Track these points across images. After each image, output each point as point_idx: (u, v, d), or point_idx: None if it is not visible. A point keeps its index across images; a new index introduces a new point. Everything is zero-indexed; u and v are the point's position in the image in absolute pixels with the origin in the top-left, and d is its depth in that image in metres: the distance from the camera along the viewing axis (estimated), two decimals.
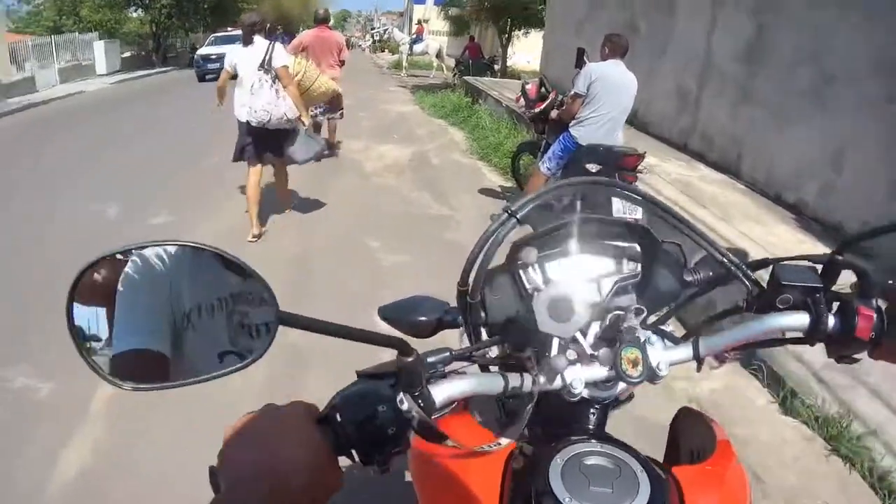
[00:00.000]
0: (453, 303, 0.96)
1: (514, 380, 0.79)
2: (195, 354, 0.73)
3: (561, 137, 4.97)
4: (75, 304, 0.67)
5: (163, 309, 0.71)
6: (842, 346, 0.84)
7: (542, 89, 5.46)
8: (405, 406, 0.69)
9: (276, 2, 34.48)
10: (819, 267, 0.87)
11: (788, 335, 0.86)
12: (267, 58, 4.76)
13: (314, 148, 5.25)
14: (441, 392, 0.74)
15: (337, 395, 0.70)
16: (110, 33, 24.32)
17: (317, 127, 7.92)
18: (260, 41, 4.85)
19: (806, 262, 0.88)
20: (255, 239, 5.04)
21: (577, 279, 0.88)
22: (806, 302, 0.84)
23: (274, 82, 4.76)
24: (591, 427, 0.88)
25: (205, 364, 0.72)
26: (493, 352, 0.90)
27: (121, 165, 7.81)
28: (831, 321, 0.83)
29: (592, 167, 4.53)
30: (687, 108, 7.45)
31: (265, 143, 5.03)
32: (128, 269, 0.69)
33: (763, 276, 0.90)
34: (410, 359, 0.70)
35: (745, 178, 6.13)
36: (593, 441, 0.80)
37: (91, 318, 0.68)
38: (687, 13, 7.65)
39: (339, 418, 0.68)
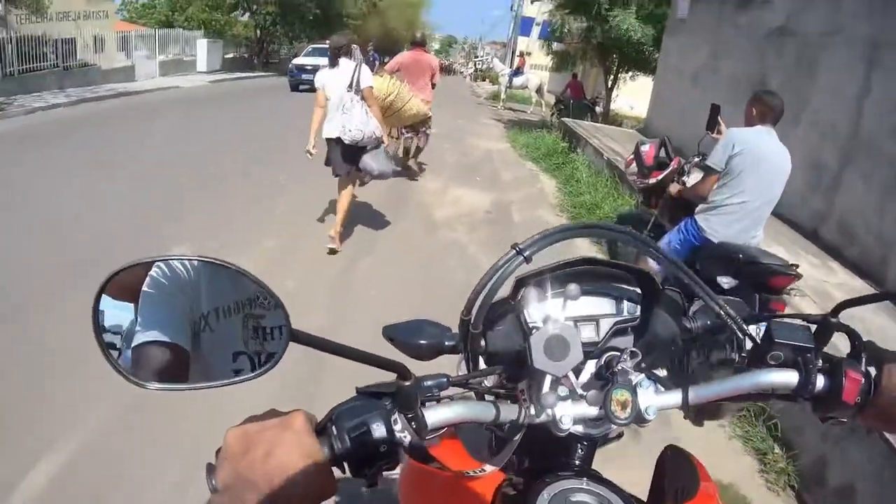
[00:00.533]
0: (455, 328, 0.96)
1: (505, 410, 0.80)
2: (212, 355, 0.77)
3: (682, 226, 3.75)
4: (104, 297, 0.70)
5: (183, 309, 0.75)
6: (827, 408, 0.83)
7: (662, 153, 4.34)
8: (398, 426, 0.70)
9: (381, 20, 34.79)
10: (813, 327, 0.86)
11: (777, 392, 0.85)
12: (355, 79, 5.00)
13: (390, 166, 5.38)
14: (434, 416, 0.74)
15: (335, 408, 0.71)
16: (219, 33, 24.83)
17: (406, 152, 8.30)
18: (345, 63, 5.07)
19: (801, 322, 0.88)
20: (333, 245, 5.29)
21: (576, 320, 0.88)
22: (797, 361, 0.84)
23: (363, 102, 5.02)
24: (577, 462, 0.89)
25: (220, 364, 0.78)
26: (489, 381, 0.89)
27: (175, 165, 7.60)
28: (820, 382, 0.82)
29: (725, 282, 3.24)
30: (821, 189, 6.18)
31: (352, 157, 5.22)
32: (153, 272, 0.73)
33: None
34: (408, 383, 0.71)
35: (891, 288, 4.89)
36: (581, 479, 0.81)
37: (117, 311, 0.72)
38: (832, 73, 6.39)
39: (335, 431, 0.69)
